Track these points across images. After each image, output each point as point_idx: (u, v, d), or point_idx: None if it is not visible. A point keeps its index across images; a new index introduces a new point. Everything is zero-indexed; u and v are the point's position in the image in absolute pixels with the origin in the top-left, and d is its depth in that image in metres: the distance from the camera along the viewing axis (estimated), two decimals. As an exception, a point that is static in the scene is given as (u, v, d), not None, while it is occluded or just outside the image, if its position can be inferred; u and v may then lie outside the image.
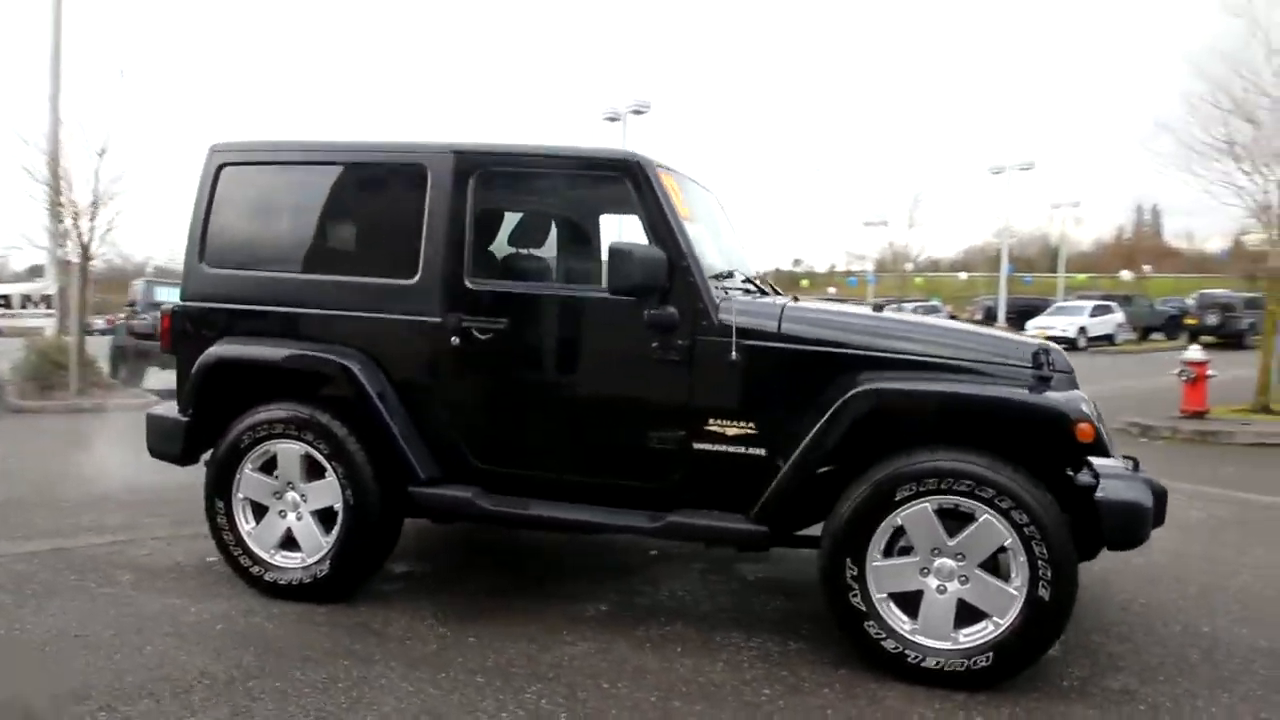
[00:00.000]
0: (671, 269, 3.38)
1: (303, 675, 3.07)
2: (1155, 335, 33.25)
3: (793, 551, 3.96)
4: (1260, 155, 10.13)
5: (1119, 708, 3.03)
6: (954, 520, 3.14)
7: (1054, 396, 3.16)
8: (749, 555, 4.50)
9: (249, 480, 3.83)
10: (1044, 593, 3.01)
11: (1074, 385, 3.38)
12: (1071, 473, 3.22)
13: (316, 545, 3.76)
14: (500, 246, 3.98)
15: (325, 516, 3.77)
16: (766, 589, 4.23)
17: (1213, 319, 28.17)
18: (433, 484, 3.67)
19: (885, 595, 3.18)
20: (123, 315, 15.77)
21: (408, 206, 3.75)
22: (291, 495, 3.80)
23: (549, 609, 3.79)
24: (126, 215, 12.05)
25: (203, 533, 4.74)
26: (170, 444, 4.04)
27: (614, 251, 3.33)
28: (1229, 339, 27.23)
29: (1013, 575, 3.09)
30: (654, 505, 3.52)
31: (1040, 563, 3.01)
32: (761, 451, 3.41)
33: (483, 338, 3.62)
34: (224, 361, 3.82)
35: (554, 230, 4.28)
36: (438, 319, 3.67)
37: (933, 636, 3.14)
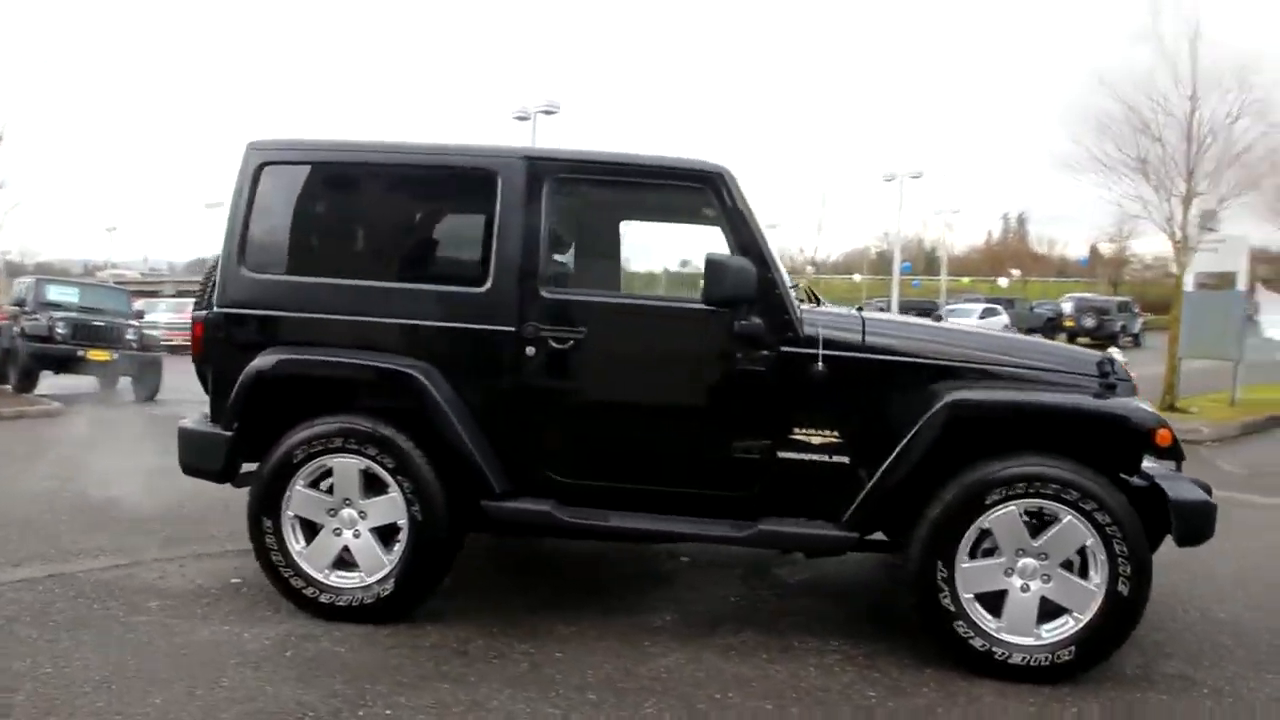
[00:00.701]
0: (758, 280, 3.41)
1: (409, 701, 2.94)
2: (1033, 337, 35.37)
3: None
4: (1166, 172, 10.95)
5: (1186, 693, 3.24)
6: (1036, 521, 3.29)
7: (1136, 404, 3.36)
8: (780, 559, 4.58)
9: (301, 497, 3.64)
10: (1123, 588, 3.20)
11: (1134, 392, 3.60)
12: (1125, 475, 3.44)
13: (377, 563, 3.61)
14: (574, 254, 3.91)
15: (384, 533, 3.63)
16: (810, 591, 4.31)
17: (1089, 321, 30.19)
18: (506, 498, 3.58)
19: (972, 596, 3.30)
20: (5, 316, 14.61)
21: (476, 212, 3.65)
22: (348, 512, 3.63)
23: (613, 621, 3.76)
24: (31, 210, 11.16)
25: (207, 551, 4.55)
26: (208, 460, 3.79)
27: (711, 262, 3.34)
28: (1103, 341, 29.23)
29: (1092, 573, 3.26)
30: (735, 514, 3.54)
31: (1120, 560, 3.19)
32: (845, 459, 3.48)
33: (560, 347, 3.56)
34: (279, 371, 3.62)
35: (619, 238, 4.25)
36: (511, 328, 3.58)
37: (1018, 634, 3.28)
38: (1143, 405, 3.40)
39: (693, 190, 3.65)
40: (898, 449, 3.33)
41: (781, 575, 4.52)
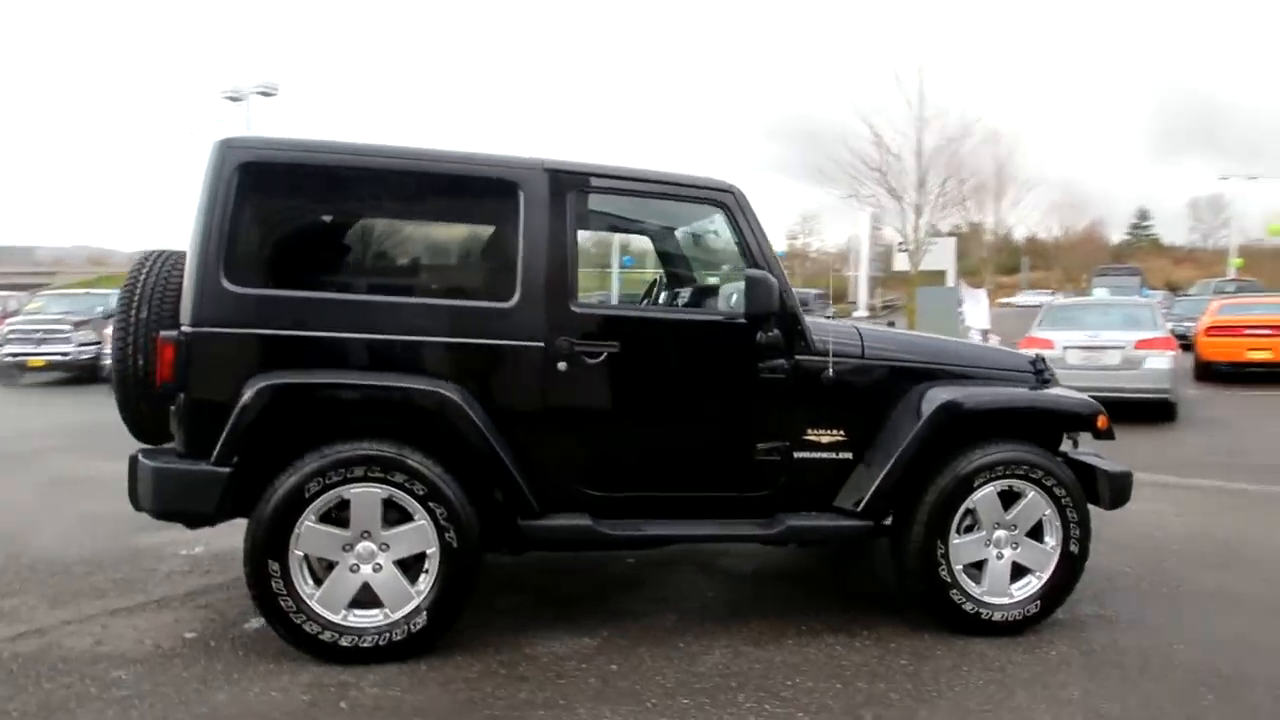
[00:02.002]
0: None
1: (524, 732, 2.87)
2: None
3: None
4: (901, 184, 12.69)
5: (1103, 627, 3.98)
6: (1007, 498, 3.86)
7: (1081, 396, 4.05)
8: (727, 551, 4.88)
9: (311, 534, 3.33)
10: (1074, 548, 3.86)
11: (1057, 382, 4.31)
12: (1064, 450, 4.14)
13: (403, 597, 3.40)
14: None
15: (406, 564, 3.43)
16: (773, 578, 4.65)
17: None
18: (543, 515, 3.52)
19: (961, 566, 3.80)
20: None
21: (499, 224, 3.54)
22: (366, 545, 3.38)
23: (628, 627, 3.82)
24: None
25: (119, 606, 3.98)
26: (196, 501, 3.32)
27: (752, 279, 3.53)
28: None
29: (1048, 538, 3.89)
30: (753, 513, 3.78)
31: (1071, 525, 3.85)
32: (849, 455, 3.85)
33: (592, 362, 3.56)
34: (291, 395, 3.27)
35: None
36: (541, 343, 3.53)
37: (996, 595, 3.83)
38: (1083, 396, 4.12)
39: (709, 205, 3.81)
40: (903, 445, 3.74)
41: (730, 567, 4.80)
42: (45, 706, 3.01)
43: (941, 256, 13.90)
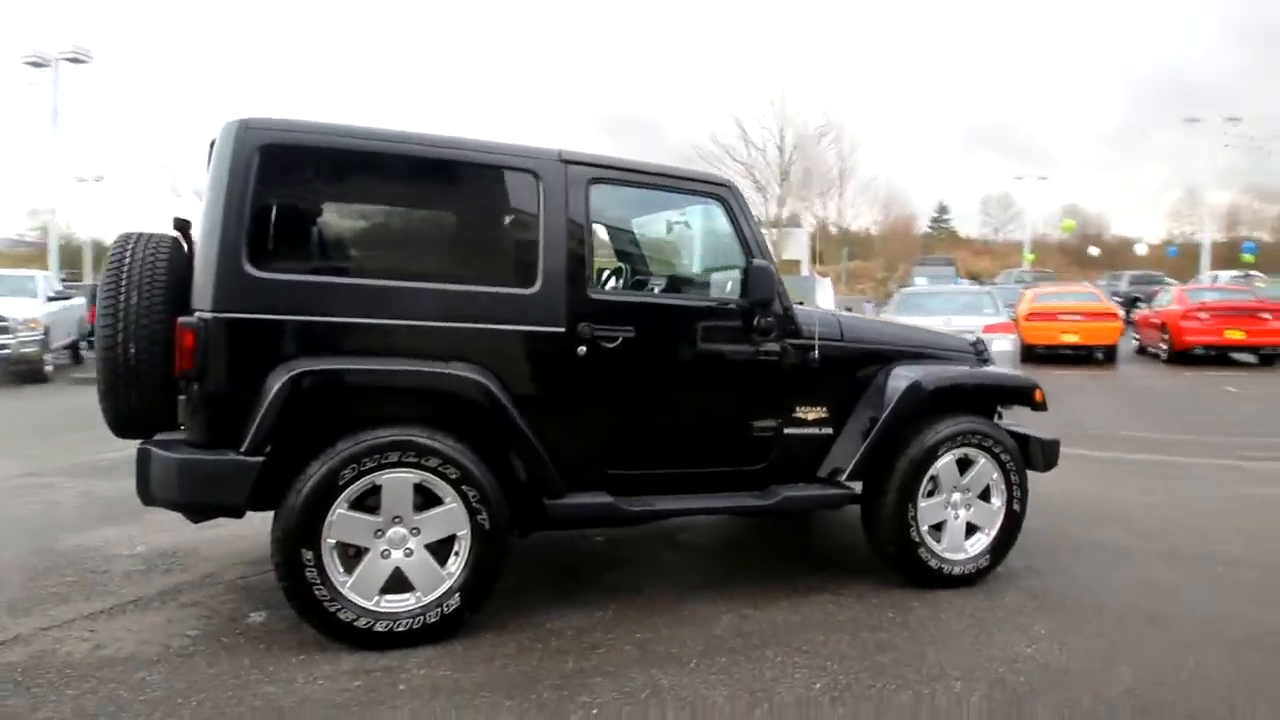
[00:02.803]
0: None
1: (597, 699, 3.01)
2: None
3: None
4: (765, 177, 13.36)
5: (1036, 577, 4.55)
6: (963, 464, 4.33)
7: (1021, 373, 4.56)
8: (687, 526, 5.14)
9: (344, 521, 3.31)
10: (1016, 507, 4.39)
11: (994, 362, 4.83)
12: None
13: (435, 580, 3.43)
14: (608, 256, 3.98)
15: (434, 547, 3.46)
16: (737, 549, 4.95)
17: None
18: (566, 495, 3.64)
19: (927, 527, 4.23)
20: None
21: (519, 212, 3.61)
22: (397, 530, 3.39)
23: (635, 600, 3.98)
24: None
25: (94, 610, 3.77)
26: (225, 492, 3.21)
27: (757, 268, 3.79)
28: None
29: (994, 499, 4.40)
30: (749, 486, 4.05)
31: (1014, 487, 4.37)
32: (830, 430, 4.19)
33: (609, 346, 3.71)
34: (325, 382, 3.22)
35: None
36: (561, 329, 3.63)
37: (954, 552, 4.29)
38: (1022, 374, 4.64)
39: (707, 198, 4.03)
40: (882, 418, 4.12)
41: (692, 541, 5.07)
42: (82, 713, 2.85)
43: (797, 246, 14.73)
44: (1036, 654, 3.48)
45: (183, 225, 3.88)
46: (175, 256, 3.59)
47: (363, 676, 3.15)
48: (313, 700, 2.98)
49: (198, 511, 3.44)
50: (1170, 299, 17.02)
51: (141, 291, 3.45)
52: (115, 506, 5.55)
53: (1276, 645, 3.60)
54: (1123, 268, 34.55)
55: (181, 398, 3.40)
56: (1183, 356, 15.67)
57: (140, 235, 3.64)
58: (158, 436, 3.49)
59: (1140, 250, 40.26)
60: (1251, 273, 26.94)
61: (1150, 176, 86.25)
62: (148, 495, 3.34)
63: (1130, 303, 23.21)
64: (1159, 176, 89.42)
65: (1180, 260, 38.64)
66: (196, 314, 3.23)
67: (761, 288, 3.83)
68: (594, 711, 2.94)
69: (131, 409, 3.52)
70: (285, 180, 3.36)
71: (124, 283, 3.45)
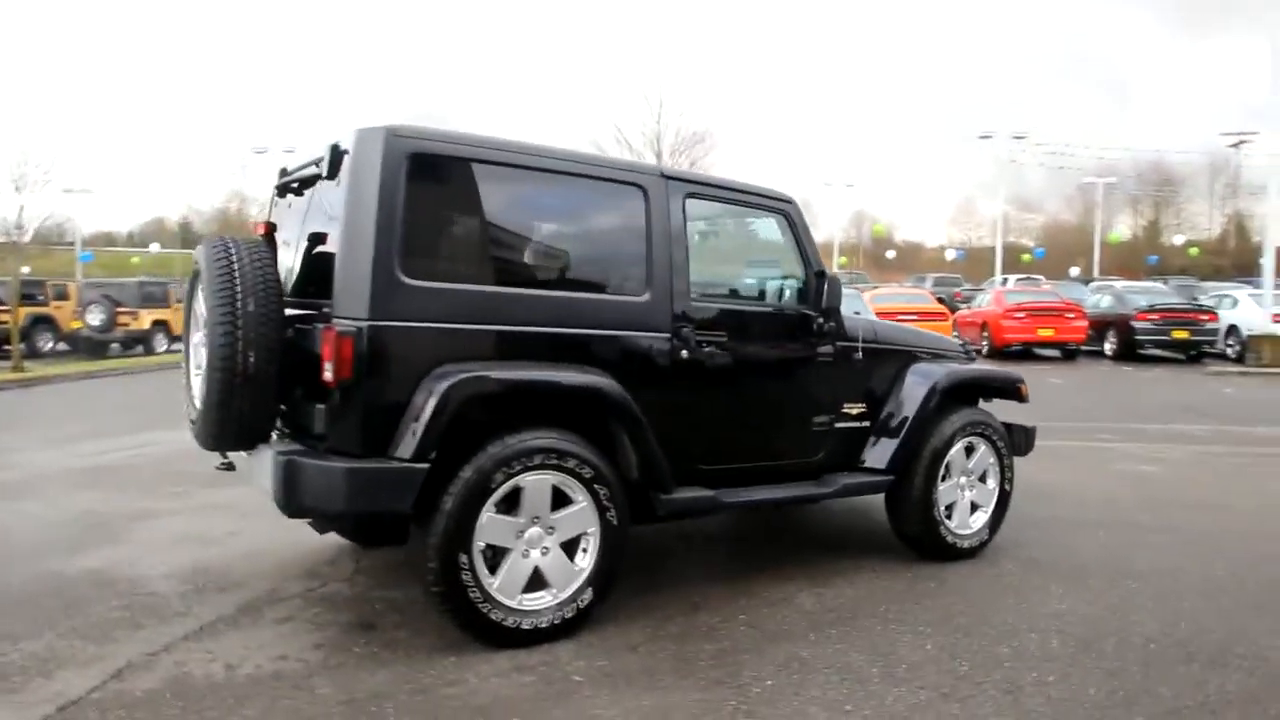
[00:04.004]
0: None
1: (751, 671, 3.29)
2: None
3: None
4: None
5: (1039, 545, 5.23)
6: (968, 451, 4.93)
7: (1009, 370, 5.21)
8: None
9: (492, 524, 3.40)
10: (1008, 486, 5.05)
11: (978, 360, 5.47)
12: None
13: (569, 577, 3.58)
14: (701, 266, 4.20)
15: (567, 545, 3.61)
16: (740, 540, 5.32)
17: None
18: (674, 490, 3.88)
19: (943, 507, 4.80)
20: None
21: (631, 224, 3.81)
22: (535, 530, 3.51)
23: (670, 596, 4.27)
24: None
25: (183, 633, 3.63)
26: (392, 499, 3.21)
27: (833, 279, 4.20)
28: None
29: (989, 480, 5.03)
30: (808, 476, 4.45)
31: (1006, 469, 5.03)
32: (867, 424, 4.66)
33: (706, 351, 3.98)
34: (486, 389, 3.30)
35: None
36: (667, 334, 3.87)
37: (963, 528, 4.89)
38: (1010, 370, 5.30)
39: (773, 212, 4.38)
40: (913, 413, 4.63)
41: (698, 531, 5.39)
42: (285, 731, 2.82)
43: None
44: (1069, 610, 4.08)
45: (271, 228, 3.79)
46: (275, 261, 3.55)
47: (528, 673, 3.27)
48: (504, 698, 3.08)
49: (352, 520, 3.40)
50: (989, 300, 19.09)
51: (258, 298, 3.37)
52: (80, 524, 5.19)
53: (1227, 589, 4.40)
54: (913, 271, 37.96)
55: (319, 406, 3.35)
56: (1000, 353, 17.65)
57: (239, 240, 3.55)
58: (284, 445, 3.42)
59: (939, 255, 44.21)
60: (1034, 276, 30.42)
61: (932, 185, 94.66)
62: (298, 505, 3.27)
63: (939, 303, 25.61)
64: (940, 185, 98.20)
65: (967, 264, 42.87)
66: (352, 322, 3.22)
67: (834, 296, 4.24)
68: (768, 683, 3.23)
69: (241, 419, 3.42)
70: (431, 189, 3.40)
71: (238, 289, 3.36)
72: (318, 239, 3.68)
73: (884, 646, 3.59)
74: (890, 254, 49.97)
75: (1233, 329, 17.95)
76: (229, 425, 3.43)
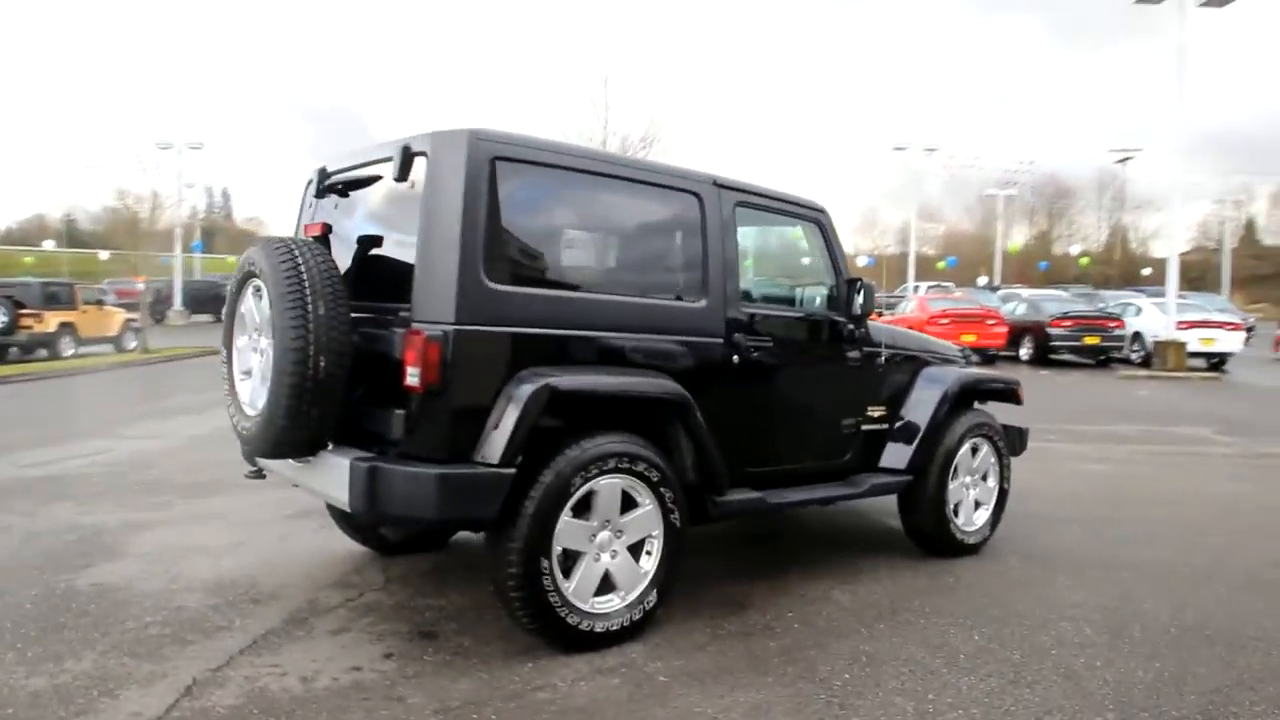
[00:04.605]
0: None
1: (825, 666, 3.40)
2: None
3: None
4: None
5: (1028, 540, 5.51)
6: (973, 451, 5.16)
7: (1004, 374, 5.46)
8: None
9: (568, 528, 3.41)
10: (1006, 485, 5.31)
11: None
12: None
13: (635, 579, 3.62)
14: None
15: (633, 548, 3.65)
16: (745, 543, 5.44)
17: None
18: (727, 493, 3.95)
19: (953, 505, 5.02)
20: None
21: (689, 231, 3.87)
22: (605, 534, 3.54)
23: (759, 579, 4.38)
24: None
25: (242, 647, 3.51)
26: (478, 505, 3.19)
27: (869, 287, 4.35)
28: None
29: (990, 479, 5.28)
30: (836, 477, 4.59)
31: (1005, 469, 5.30)
32: (886, 425, 4.84)
33: (754, 356, 4.07)
34: (569, 394, 3.31)
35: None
36: (721, 339, 3.95)
37: (969, 525, 5.12)
38: (1004, 374, 5.56)
39: (809, 221, 4.51)
40: (929, 416, 4.83)
41: (710, 534, 5.49)
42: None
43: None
44: (1085, 600, 4.33)
45: (327, 230, 3.72)
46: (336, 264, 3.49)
47: (611, 675, 3.30)
48: (600, 700, 3.10)
49: (451, 527, 3.36)
50: (914, 307, 19.80)
51: (327, 301, 3.31)
52: (70, 538, 4.94)
53: (1214, 576, 4.74)
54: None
55: (395, 411, 3.30)
56: (925, 357, 18.30)
57: (301, 242, 3.47)
58: (358, 452, 3.35)
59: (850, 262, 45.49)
60: (945, 283, 31.68)
61: (838, 195, 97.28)
62: (381, 512, 3.22)
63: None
64: (846, 195, 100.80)
65: (874, 271, 44.33)
66: (438, 326, 3.19)
67: (869, 303, 4.39)
68: (845, 676, 3.34)
69: (310, 425, 3.35)
70: (510, 193, 3.39)
71: (308, 293, 3.29)
72: (378, 241, 3.63)
73: (935, 639, 3.75)
74: (803, 261, 51.15)
75: (1137, 335, 19.13)
76: (296, 432, 3.35)
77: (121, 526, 5.33)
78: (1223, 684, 3.36)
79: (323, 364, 3.28)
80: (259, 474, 4.17)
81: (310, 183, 4.15)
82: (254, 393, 3.59)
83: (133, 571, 4.45)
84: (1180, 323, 18.20)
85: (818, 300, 4.57)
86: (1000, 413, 5.54)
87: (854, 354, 4.59)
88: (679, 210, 3.92)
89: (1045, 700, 3.17)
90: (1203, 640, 3.82)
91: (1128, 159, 52.02)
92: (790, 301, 4.59)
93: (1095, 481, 7.45)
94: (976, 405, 5.30)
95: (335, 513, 4.54)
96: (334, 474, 3.35)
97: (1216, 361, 18.59)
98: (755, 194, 4.27)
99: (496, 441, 3.22)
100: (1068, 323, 18.29)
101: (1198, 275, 46.89)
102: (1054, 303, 20.06)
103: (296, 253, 3.38)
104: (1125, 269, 54.99)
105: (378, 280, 3.58)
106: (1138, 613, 4.15)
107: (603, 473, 3.46)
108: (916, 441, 4.81)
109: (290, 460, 3.61)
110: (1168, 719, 3.07)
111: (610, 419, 3.56)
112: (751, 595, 4.24)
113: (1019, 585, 4.55)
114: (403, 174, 3.41)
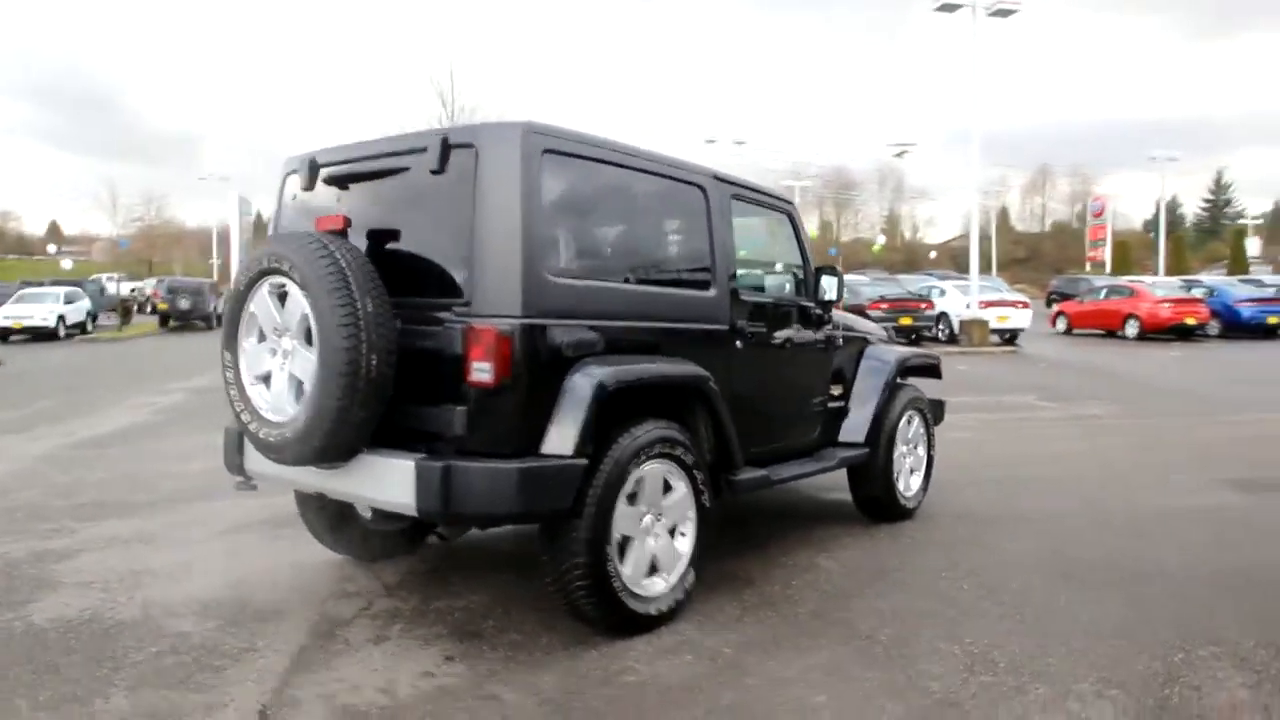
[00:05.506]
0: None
1: (865, 625, 3.67)
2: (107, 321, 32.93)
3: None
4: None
5: (959, 503, 6.06)
6: (909, 423, 5.62)
7: (930, 351, 5.96)
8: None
9: (623, 515, 3.48)
10: (933, 453, 5.84)
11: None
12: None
13: (674, 560, 3.74)
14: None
15: (670, 530, 3.76)
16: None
17: (184, 303, 30.29)
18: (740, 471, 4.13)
19: (897, 472, 5.45)
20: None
21: (698, 223, 4.01)
22: (649, 519, 3.64)
23: (738, 561, 4.58)
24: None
25: (290, 666, 3.35)
26: (556, 497, 3.19)
27: (841, 275, 4.67)
28: (204, 320, 30.02)
29: (920, 448, 5.78)
30: (808, 453, 4.89)
31: (932, 438, 5.82)
32: (843, 403, 5.19)
33: (752, 341, 4.28)
34: (628, 384, 3.37)
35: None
36: (726, 327, 4.12)
37: (909, 490, 5.57)
38: (930, 351, 6.06)
39: (783, 213, 4.76)
40: (881, 391, 5.23)
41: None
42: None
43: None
44: (1028, 549, 4.87)
45: (347, 223, 3.56)
46: None
47: (679, 653, 3.41)
48: (689, 676, 3.21)
49: (527, 520, 3.31)
50: (854, 293, 20.93)
51: (374, 298, 3.20)
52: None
53: (1138, 521, 5.46)
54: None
55: (456, 408, 3.22)
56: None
57: (333, 236, 3.33)
58: (404, 452, 3.25)
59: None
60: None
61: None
62: (456, 512, 3.15)
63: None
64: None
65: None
66: (505, 320, 3.16)
67: (841, 290, 4.71)
68: (886, 631, 3.63)
69: (358, 427, 3.23)
70: (561, 186, 3.41)
71: (355, 290, 3.17)
72: (397, 235, 3.53)
73: (934, 593, 4.12)
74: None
75: (943, 315, 21.07)
76: (343, 435, 3.21)
77: (31, 557, 4.77)
78: (1177, 610, 3.93)
79: (374, 363, 3.16)
80: (249, 484, 3.92)
81: (292, 174, 3.93)
82: (280, 398, 3.39)
83: (89, 602, 4.04)
84: (983, 301, 20.24)
85: (789, 287, 4.84)
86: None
87: (819, 337, 4.91)
88: (689, 202, 4.05)
89: (1054, 633, 3.59)
90: (1136, 575, 4.43)
91: (903, 153, 56.84)
92: (766, 289, 4.83)
93: (967, 448, 8.19)
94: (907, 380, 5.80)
95: (320, 521, 4.31)
96: (388, 476, 3.24)
97: (1009, 337, 20.79)
98: (745, 187, 4.48)
99: (567, 433, 3.24)
100: (885, 305, 19.87)
101: (967, 260, 52.09)
102: (867, 287, 21.69)
103: (333, 249, 3.23)
104: (908, 255, 59.90)
105: (405, 274, 3.46)
106: (1075, 556, 4.73)
107: (649, 458, 3.55)
108: (871, 416, 5.20)
109: (315, 467, 3.44)
110: (1148, 631, 3.58)
111: (644, 405, 3.66)
112: (748, 569, 4.45)
113: (968, 542, 5.04)
114: (441, 165, 3.33)
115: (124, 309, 31.81)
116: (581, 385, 3.29)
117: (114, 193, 55.79)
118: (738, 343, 4.21)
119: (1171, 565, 4.54)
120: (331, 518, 4.29)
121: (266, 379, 3.46)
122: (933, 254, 56.85)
